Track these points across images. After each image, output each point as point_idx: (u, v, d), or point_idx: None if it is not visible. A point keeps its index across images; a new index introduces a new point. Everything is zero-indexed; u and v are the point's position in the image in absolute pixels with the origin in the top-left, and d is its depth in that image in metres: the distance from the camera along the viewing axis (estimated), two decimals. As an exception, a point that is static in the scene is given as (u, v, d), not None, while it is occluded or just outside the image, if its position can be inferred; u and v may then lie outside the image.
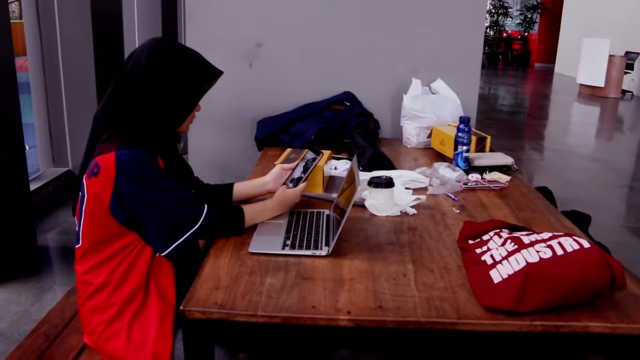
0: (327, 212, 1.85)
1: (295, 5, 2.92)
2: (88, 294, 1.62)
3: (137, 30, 5.96)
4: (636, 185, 6.13)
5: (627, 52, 12.32)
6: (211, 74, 1.66)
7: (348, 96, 2.95)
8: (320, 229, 1.71)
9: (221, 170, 3.04)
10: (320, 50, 2.98)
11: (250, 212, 1.71)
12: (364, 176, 2.05)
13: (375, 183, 1.88)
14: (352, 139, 2.59)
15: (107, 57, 4.66)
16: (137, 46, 1.63)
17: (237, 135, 3.01)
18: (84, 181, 1.57)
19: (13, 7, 9.56)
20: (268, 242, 1.62)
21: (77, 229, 1.63)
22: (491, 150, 2.59)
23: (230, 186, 1.95)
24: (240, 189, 1.96)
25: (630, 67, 12.20)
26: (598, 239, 2.89)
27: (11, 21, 3.35)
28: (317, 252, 1.55)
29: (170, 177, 1.60)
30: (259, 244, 1.60)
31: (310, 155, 1.96)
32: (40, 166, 4.68)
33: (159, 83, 1.57)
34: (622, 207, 5.36)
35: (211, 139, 3.04)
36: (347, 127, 2.72)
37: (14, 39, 3.31)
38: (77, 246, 1.63)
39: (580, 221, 2.72)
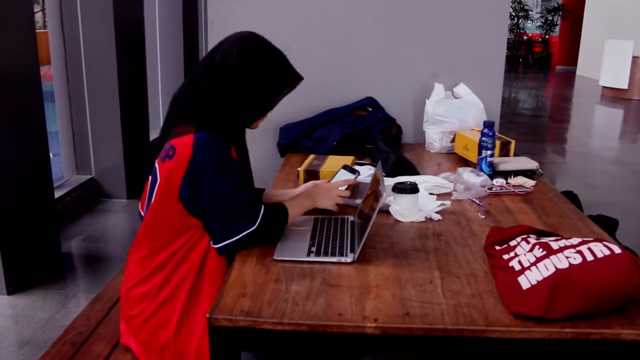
0: (351, 218, 1.84)
1: (317, 11, 2.93)
2: (140, 279, 1.64)
3: (159, 38, 6.02)
4: (662, 189, 6.04)
5: (650, 54, 12.14)
6: (294, 77, 1.70)
7: (370, 101, 2.94)
8: (345, 235, 1.70)
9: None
10: (343, 56, 2.98)
11: (291, 211, 1.71)
12: (388, 182, 2.03)
13: (399, 189, 1.87)
14: (375, 145, 2.58)
15: (129, 66, 4.71)
16: (207, 46, 1.74)
17: (260, 141, 3.02)
18: (157, 165, 1.62)
19: (37, 17, 9.71)
20: (293, 248, 1.61)
21: (142, 213, 1.69)
22: (515, 154, 2.57)
23: (260, 192, 1.97)
24: (269, 196, 1.97)
25: (654, 68, 12.01)
26: (625, 243, 2.85)
27: (36, 31, 3.39)
28: (343, 259, 1.55)
29: (241, 170, 1.64)
30: (284, 251, 1.60)
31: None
32: (64, 174, 4.73)
33: (249, 76, 1.60)
34: (649, 210, 5.27)
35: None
36: (370, 132, 2.71)
37: (38, 48, 3.36)
38: (138, 231, 1.66)
39: (607, 225, 2.68)
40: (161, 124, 1.71)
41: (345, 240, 1.66)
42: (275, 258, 1.56)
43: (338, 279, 1.46)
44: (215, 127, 1.58)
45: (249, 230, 1.56)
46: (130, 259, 1.70)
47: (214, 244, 1.59)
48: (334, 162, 2.26)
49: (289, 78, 1.68)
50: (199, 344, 1.60)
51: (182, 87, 1.67)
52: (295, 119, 2.91)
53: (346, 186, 1.90)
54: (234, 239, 1.57)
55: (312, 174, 2.10)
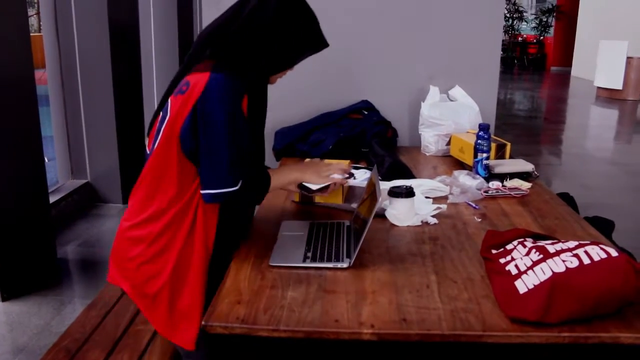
0: (347, 223, 1.83)
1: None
2: (138, 221, 1.62)
3: (154, 41, 6.01)
4: (658, 189, 6.05)
5: (645, 54, 12.19)
6: (321, 41, 1.68)
7: (366, 105, 2.94)
8: (341, 240, 1.69)
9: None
10: (338, 59, 2.97)
11: (274, 180, 1.69)
12: (384, 185, 2.03)
13: (395, 193, 1.86)
14: (371, 148, 2.58)
15: (124, 69, 4.70)
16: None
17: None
18: (169, 100, 1.56)
19: (32, 20, 9.69)
20: (289, 254, 1.60)
21: (148, 151, 1.62)
22: (511, 157, 2.57)
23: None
24: None
25: (648, 69, 12.06)
26: (621, 244, 2.84)
27: (30, 34, 3.38)
28: (339, 265, 1.54)
29: (247, 123, 1.57)
30: (279, 257, 1.59)
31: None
32: (59, 178, 4.71)
33: (283, 25, 1.57)
34: (644, 211, 5.28)
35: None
36: (365, 136, 2.70)
37: (33, 52, 3.35)
38: (143, 169, 1.62)
39: (603, 227, 2.68)
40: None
41: (341, 246, 1.65)
42: (271, 264, 1.55)
43: (334, 285, 1.45)
44: (236, 67, 1.54)
45: (229, 190, 1.52)
46: (132, 196, 1.67)
47: (201, 189, 1.55)
48: (329, 166, 2.26)
49: (317, 41, 1.67)
50: (191, 297, 1.60)
51: (213, 23, 1.62)
52: (291, 123, 2.90)
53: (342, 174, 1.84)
54: (217, 191, 1.53)
55: (307, 178, 2.08)
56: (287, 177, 1.77)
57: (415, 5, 2.94)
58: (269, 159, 2.80)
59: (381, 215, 1.90)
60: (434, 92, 2.87)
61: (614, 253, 1.34)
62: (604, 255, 1.34)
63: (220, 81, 1.49)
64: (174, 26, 6.05)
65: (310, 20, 1.64)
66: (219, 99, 1.49)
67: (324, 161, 1.92)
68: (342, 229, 1.77)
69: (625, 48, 11.94)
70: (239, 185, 1.53)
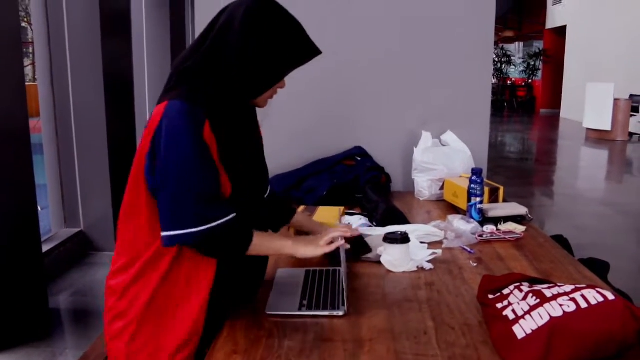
0: (342, 269, 1.83)
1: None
2: (114, 269, 1.51)
3: (148, 90, 6.07)
4: (651, 229, 6.07)
5: (631, 95, 12.39)
6: (309, 50, 1.48)
7: (359, 151, 2.96)
8: (337, 287, 1.69)
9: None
10: (331, 106, 3.01)
11: (259, 241, 1.48)
12: (379, 232, 2.03)
13: (390, 239, 1.86)
14: (364, 194, 2.59)
15: (119, 118, 4.74)
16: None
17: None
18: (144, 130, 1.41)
19: (27, 70, 9.78)
20: (284, 302, 1.59)
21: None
22: (505, 200, 2.59)
23: (292, 211, 1.91)
24: (300, 220, 1.92)
25: (635, 109, 12.26)
26: (617, 285, 2.84)
27: (25, 83, 3.42)
28: (335, 312, 1.53)
29: (209, 156, 1.38)
30: (275, 305, 1.58)
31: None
32: (52, 227, 4.69)
33: (252, 38, 1.39)
34: (638, 251, 5.29)
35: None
36: (359, 182, 2.72)
37: (28, 100, 3.38)
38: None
39: (599, 269, 2.68)
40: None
41: (336, 293, 1.64)
42: (267, 312, 1.55)
43: (331, 333, 1.44)
44: (196, 92, 1.38)
45: (186, 231, 1.35)
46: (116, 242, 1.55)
47: (161, 231, 1.38)
48: (324, 212, 2.26)
49: (303, 50, 1.48)
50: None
51: (183, 53, 1.47)
52: (285, 170, 2.92)
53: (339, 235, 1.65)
54: (174, 233, 1.36)
55: (302, 225, 2.08)
56: (273, 247, 1.55)
57: (407, 52, 3.00)
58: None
59: (377, 262, 1.90)
60: (426, 137, 2.90)
61: (610, 297, 1.34)
62: (600, 299, 1.34)
63: (176, 106, 1.35)
64: (168, 69, 6.12)
65: (291, 26, 1.46)
66: (175, 127, 1.34)
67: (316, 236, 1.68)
68: (338, 276, 1.77)
69: (611, 90, 12.15)
70: (201, 227, 1.36)
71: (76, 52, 4.40)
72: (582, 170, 9.96)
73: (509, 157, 10.94)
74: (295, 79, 2.96)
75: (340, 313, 1.53)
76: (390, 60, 3.01)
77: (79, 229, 4.67)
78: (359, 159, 2.90)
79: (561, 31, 17.97)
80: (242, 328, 1.47)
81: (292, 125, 3.02)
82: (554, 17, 18.52)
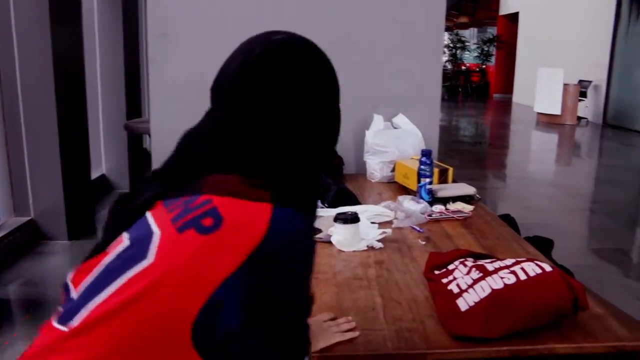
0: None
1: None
2: None
3: (100, 75, 5.96)
4: (596, 208, 6.27)
5: (580, 81, 12.73)
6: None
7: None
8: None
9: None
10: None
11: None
12: (330, 212, 2.06)
13: (341, 219, 1.89)
14: (317, 176, 2.61)
15: (68, 102, 4.63)
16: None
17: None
18: (158, 229, 0.89)
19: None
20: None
21: (79, 293, 0.90)
22: (454, 181, 2.64)
23: None
24: None
25: (583, 94, 12.61)
26: (561, 262, 2.94)
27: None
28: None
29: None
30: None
31: None
32: (0, 216, 4.58)
33: (313, 99, 1.04)
34: (584, 230, 5.48)
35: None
36: (312, 164, 2.74)
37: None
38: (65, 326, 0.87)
39: (543, 246, 2.77)
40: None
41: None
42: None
43: (281, 311, 1.46)
44: (293, 192, 0.96)
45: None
46: None
47: None
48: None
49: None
50: None
51: (206, 129, 1.05)
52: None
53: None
54: None
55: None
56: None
57: (358, 37, 3.02)
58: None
59: (328, 242, 1.93)
60: (378, 120, 2.94)
61: (548, 268, 1.40)
62: (538, 271, 1.40)
63: (297, 222, 0.91)
64: (121, 59, 6.02)
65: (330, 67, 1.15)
66: (299, 250, 0.92)
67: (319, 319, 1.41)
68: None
69: (561, 75, 12.45)
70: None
71: (24, 38, 4.28)
72: (533, 153, 10.20)
73: (463, 141, 11.13)
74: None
75: (291, 291, 1.55)
76: (343, 44, 3.02)
77: (29, 218, 4.57)
78: (312, 142, 2.92)
79: (514, 17, 18.28)
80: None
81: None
82: (507, 4, 18.82)
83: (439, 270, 1.60)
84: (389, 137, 2.84)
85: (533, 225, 4.99)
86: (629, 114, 11.83)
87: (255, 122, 0.98)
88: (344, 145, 3.01)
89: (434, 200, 2.37)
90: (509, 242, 2.02)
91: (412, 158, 2.71)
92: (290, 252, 0.90)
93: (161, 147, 2.95)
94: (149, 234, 0.89)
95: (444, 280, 1.52)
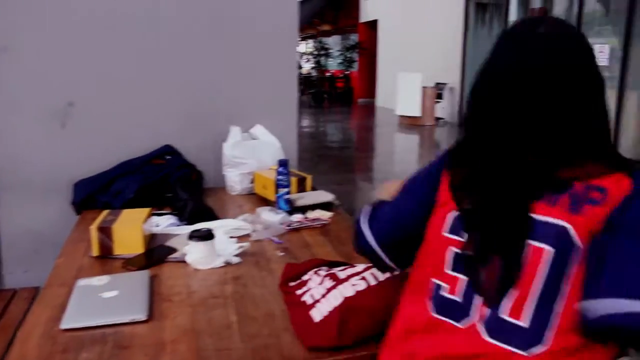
0: (147, 272, 1.78)
1: (107, 60, 2.83)
2: None
3: None
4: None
5: (436, 83, 13.46)
6: None
7: (168, 149, 2.89)
8: (139, 291, 1.63)
9: (36, 239, 2.82)
10: (138, 106, 2.90)
11: None
12: (186, 230, 2.01)
13: (195, 237, 1.84)
14: (175, 193, 2.54)
15: None
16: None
17: (52, 200, 2.82)
18: (556, 220, 1.08)
19: None
20: (82, 314, 1.51)
21: (525, 315, 1.07)
22: (314, 188, 2.67)
23: None
24: None
25: (440, 96, 13.35)
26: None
27: None
28: (136, 317, 1.48)
29: None
30: (71, 318, 1.49)
31: None
32: None
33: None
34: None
35: (22, 206, 2.82)
36: (169, 180, 2.66)
37: None
38: (526, 352, 1.05)
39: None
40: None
41: (139, 297, 1.59)
42: (63, 327, 1.45)
43: (131, 340, 1.39)
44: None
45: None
46: None
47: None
48: (129, 215, 2.17)
49: None
50: None
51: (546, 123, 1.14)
52: (91, 174, 2.77)
53: None
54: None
55: (104, 231, 1.99)
56: None
57: (214, 47, 2.97)
58: (69, 213, 2.65)
59: (183, 261, 1.87)
60: (235, 132, 2.91)
61: (397, 271, 1.44)
62: (388, 275, 1.44)
63: None
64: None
65: None
66: None
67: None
68: (143, 279, 1.72)
69: (419, 79, 13.09)
70: None
71: None
72: (397, 155, 10.62)
73: (330, 147, 11.37)
74: (95, 79, 2.83)
75: (142, 317, 1.48)
76: (197, 56, 2.97)
77: None
78: (169, 157, 2.84)
79: (373, 25, 18.97)
80: (33, 348, 1.37)
81: (97, 127, 2.88)
82: (367, 12, 19.50)
83: (294, 281, 1.60)
84: (247, 148, 2.82)
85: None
86: (481, 113, 12.64)
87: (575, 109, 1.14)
88: (202, 160, 2.95)
89: (293, 209, 2.38)
90: (365, 246, 2.06)
91: (270, 168, 2.70)
92: None
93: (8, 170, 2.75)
94: (563, 229, 1.07)
95: (298, 292, 1.53)
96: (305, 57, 23.88)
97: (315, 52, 21.80)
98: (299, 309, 1.46)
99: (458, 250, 1.16)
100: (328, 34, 23.40)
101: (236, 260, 1.89)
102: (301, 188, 2.57)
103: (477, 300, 1.11)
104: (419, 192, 1.34)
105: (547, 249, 1.06)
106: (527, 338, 1.05)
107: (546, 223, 1.08)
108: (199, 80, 2.98)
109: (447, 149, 1.32)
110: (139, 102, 2.91)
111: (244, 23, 3.01)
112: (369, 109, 18.01)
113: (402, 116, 13.57)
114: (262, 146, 2.87)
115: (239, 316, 1.51)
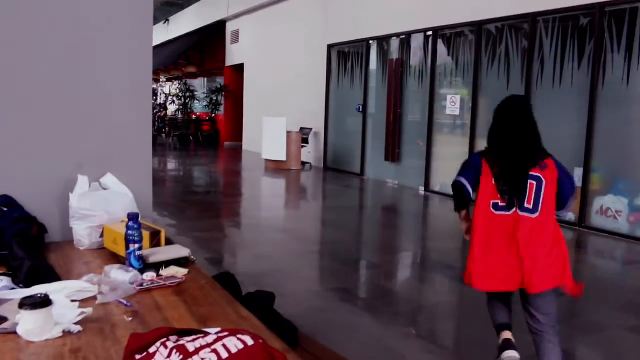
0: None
1: None
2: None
3: None
4: (321, 250, 6.67)
5: (301, 128, 13.66)
6: None
7: (5, 200, 2.61)
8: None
9: None
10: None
11: None
12: (19, 295, 1.78)
13: (28, 305, 1.62)
14: (11, 250, 2.27)
15: None
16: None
17: None
18: (536, 173, 2.86)
19: None
20: None
21: (531, 205, 2.84)
22: (169, 242, 2.51)
23: None
24: None
25: (305, 141, 13.55)
26: (288, 309, 2.98)
27: None
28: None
29: None
30: None
31: None
32: None
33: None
34: (310, 272, 5.72)
35: None
36: (4, 236, 2.38)
37: None
38: (534, 215, 2.85)
39: (265, 300, 2.78)
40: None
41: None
42: None
43: None
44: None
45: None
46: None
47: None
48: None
49: None
50: None
51: (530, 135, 2.97)
52: None
53: None
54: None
55: None
56: None
57: (60, 88, 2.75)
58: None
59: (14, 332, 1.65)
60: (82, 181, 2.69)
61: (250, 342, 1.34)
62: (240, 346, 1.34)
63: (555, 160, 2.95)
64: None
65: None
66: (561, 166, 2.96)
67: None
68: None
69: (284, 123, 13.23)
70: None
71: None
72: (263, 199, 10.57)
73: (197, 192, 11.11)
74: None
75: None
76: (43, 95, 2.73)
77: None
78: (5, 209, 2.55)
79: (240, 68, 19.03)
80: None
81: None
82: (233, 56, 19.54)
83: (140, 354, 1.45)
84: (97, 199, 2.61)
85: (263, 273, 5.09)
86: (344, 158, 13.00)
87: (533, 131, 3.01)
88: (45, 211, 2.69)
89: (145, 266, 2.21)
90: (224, 307, 1.94)
91: (123, 221, 2.51)
92: (560, 165, 2.96)
93: None
94: (538, 177, 2.89)
95: (144, 367, 1.38)
96: (170, 98, 23.44)
97: (181, 94, 21.47)
98: (144, 387, 1.31)
99: (502, 188, 2.90)
100: (194, 75, 23.18)
101: (77, 328, 1.69)
102: (155, 243, 2.40)
103: (514, 203, 2.88)
104: (475, 167, 3.00)
105: (534, 183, 2.84)
106: (533, 211, 2.84)
107: (533, 175, 2.85)
108: (43, 123, 2.74)
109: (478, 151, 3.17)
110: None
111: (94, 63, 2.83)
112: (236, 153, 17.92)
113: (268, 160, 13.60)
114: (113, 197, 2.66)
115: (73, 398, 1.33)
